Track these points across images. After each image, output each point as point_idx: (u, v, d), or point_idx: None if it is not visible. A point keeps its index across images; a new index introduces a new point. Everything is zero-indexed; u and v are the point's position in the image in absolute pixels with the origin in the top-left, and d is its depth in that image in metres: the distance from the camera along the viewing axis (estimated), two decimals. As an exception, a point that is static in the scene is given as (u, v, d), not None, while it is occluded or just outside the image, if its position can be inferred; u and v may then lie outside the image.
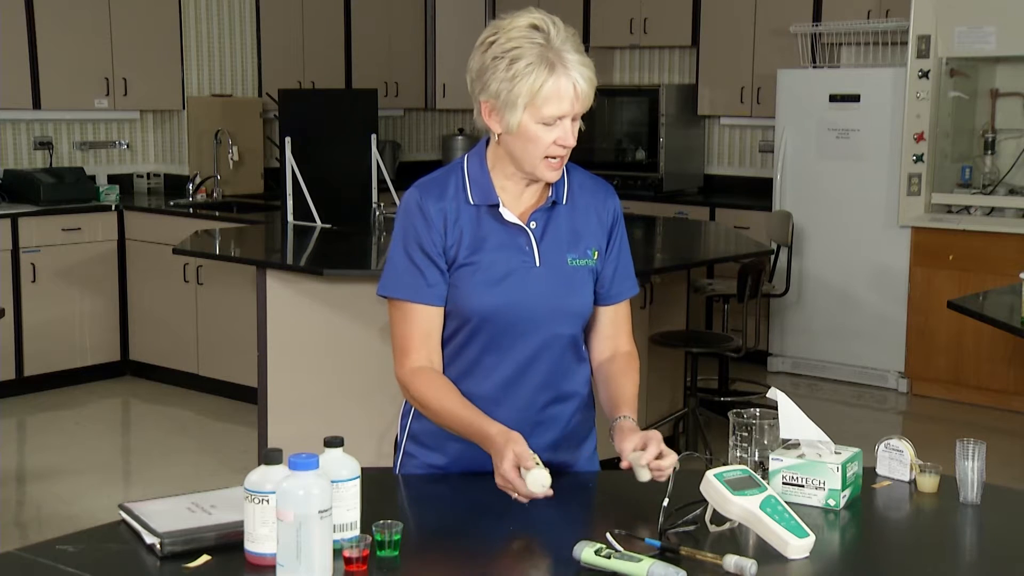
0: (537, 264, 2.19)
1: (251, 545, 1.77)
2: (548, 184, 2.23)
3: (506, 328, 2.18)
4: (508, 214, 2.20)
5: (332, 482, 1.75)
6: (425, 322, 2.19)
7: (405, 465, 2.33)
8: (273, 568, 1.72)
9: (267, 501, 1.74)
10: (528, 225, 2.21)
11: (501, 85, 2.09)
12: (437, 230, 2.18)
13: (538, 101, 2.08)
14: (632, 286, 2.36)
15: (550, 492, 1.97)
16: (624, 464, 2.10)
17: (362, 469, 1.87)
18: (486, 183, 2.20)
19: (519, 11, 2.14)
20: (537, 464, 1.98)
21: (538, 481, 1.96)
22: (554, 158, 2.14)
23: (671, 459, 2.05)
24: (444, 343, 2.24)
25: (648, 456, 2.05)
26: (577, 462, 2.32)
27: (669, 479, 2.01)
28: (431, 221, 2.17)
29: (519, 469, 1.98)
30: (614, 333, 2.33)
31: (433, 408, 2.18)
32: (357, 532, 1.83)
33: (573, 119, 2.12)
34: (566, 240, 2.23)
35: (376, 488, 2.14)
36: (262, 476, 1.76)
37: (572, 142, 2.13)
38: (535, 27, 2.09)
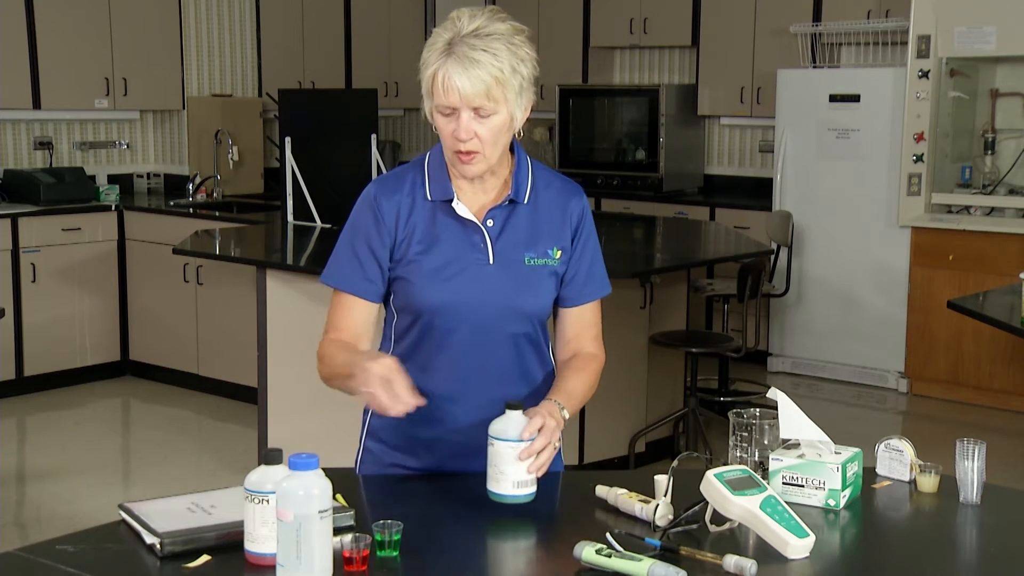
0: (491, 262, 2.16)
1: (251, 545, 1.77)
2: (507, 181, 2.19)
3: (457, 325, 2.15)
4: (462, 209, 2.16)
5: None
6: (358, 313, 2.20)
7: (365, 463, 2.28)
8: (273, 568, 1.72)
9: (267, 501, 1.74)
10: (484, 223, 2.17)
11: (420, 74, 2.12)
12: (386, 226, 2.16)
13: (432, 89, 2.07)
14: (601, 287, 2.28)
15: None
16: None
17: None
18: (444, 179, 2.18)
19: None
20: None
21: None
22: (461, 152, 2.09)
23: (541, 441, 1.97)
24: (400, 339, 2.22)
25: (533, 447, 1.96)
26: None
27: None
28: (381, 216, 2.16)
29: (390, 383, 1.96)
30: (577, 335, 2.26)
31: (322, 364, 2.18)
32: (357, 532, 1.83)
33: (479, 112, 2.06)
34: (525, 239, 2.18)
35: (377, 488, 2.14)
36: (262, 476, 1.76)
37: (465, 136, 2.07)
38: (456, 17, 2.09)
